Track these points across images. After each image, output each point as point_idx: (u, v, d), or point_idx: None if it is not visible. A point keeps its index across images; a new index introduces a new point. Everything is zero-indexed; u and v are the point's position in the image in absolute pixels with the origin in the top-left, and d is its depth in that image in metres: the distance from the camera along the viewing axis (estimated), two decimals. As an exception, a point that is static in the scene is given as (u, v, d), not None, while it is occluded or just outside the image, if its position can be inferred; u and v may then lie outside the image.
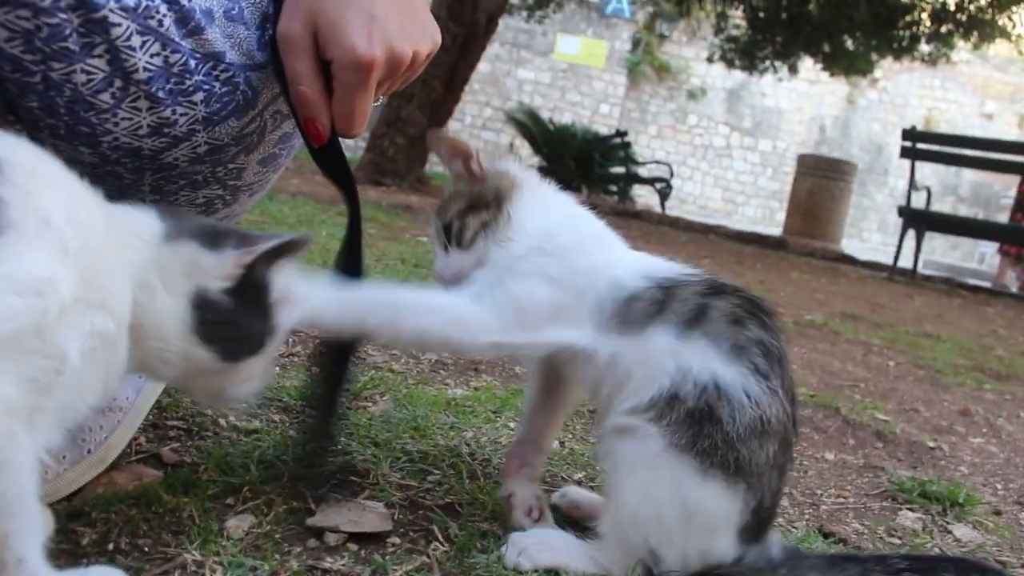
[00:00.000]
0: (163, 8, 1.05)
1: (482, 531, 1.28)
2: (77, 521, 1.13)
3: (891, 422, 2.54)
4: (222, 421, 1.57)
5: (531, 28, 18.03)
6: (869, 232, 20.49)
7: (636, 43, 19.56)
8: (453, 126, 13.37)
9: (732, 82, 19.64)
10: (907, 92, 20.43)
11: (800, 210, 11.50)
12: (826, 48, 12.33)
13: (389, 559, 1.15)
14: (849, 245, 12.05)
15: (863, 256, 10.70)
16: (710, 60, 14.51)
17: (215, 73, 1.12)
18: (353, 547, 1.18)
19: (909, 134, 8.64)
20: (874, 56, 12.60)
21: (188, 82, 1.10)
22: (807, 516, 1.70)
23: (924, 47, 12.15)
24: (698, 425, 1.12)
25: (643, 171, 14.93)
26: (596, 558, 1.20)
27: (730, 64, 14.01)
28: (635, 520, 1.16)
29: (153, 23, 1.04)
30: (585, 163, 14.10)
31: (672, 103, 20.35)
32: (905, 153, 8.67)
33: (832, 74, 13.61)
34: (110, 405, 1.26)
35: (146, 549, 1.10)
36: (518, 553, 1.18)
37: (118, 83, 1.06)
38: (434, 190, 9.15)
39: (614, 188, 14.53)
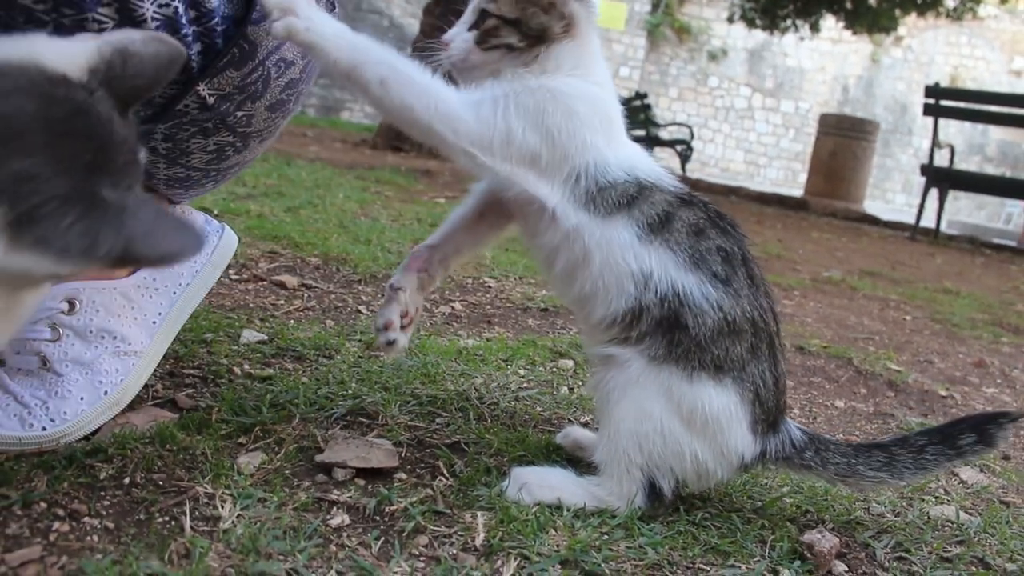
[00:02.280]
0: None
1: (487, 467, 1.32)
2: (94, 457, 1.17)
3: (904, 372, 2.55)
4: (237, 369, 1.61)
5: (550, -9, 17.92)
6: (893, 193, 20.29)
7: (656, 5, 19.38)
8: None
9: (753, 42, 19.43)
10: (932, 50, 20.11)
11: (822, 170, 11.38)
12: (848, 5, 12.15)
13: (394, 492, 1.19)
14: (872, 206, 11.93)
15: (886, 216, 10.61)
16: (730, 20, 14.34)
17: (213, 26, 1.15)
18: (360, 482, 1.22)
19: (932, 91, 8.53)
20: (898, 13, 12.38)
21: (184, 31, 1.13)
22: (814, 460, 1.72)
23: (949, 2, 11.96)
24: (669, 333, 1.19)
25: (664, 133, 14.84)
26: (595, 492, 1.24)
27: (751, 24, 13.84)
28: (634, 441, 1.21)
29: None
30: (605, 126, 14.01)
31: (693, 65, 20.16)
32: (928, 111, 8.57)
33: (855, 32, 13.41)
34: (125, 349, 1.30)
35: (160, 483, 1.14)
36: (519, 487, 1.22)
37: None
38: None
39: (635, 151, 14.46)
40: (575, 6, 1.27)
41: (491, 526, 1.13)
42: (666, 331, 1.20)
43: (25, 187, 0.76)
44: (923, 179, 8.66)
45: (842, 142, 11.20)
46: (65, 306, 1.26)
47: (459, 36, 1.27)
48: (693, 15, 20.07)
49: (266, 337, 1.82)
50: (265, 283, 2.33)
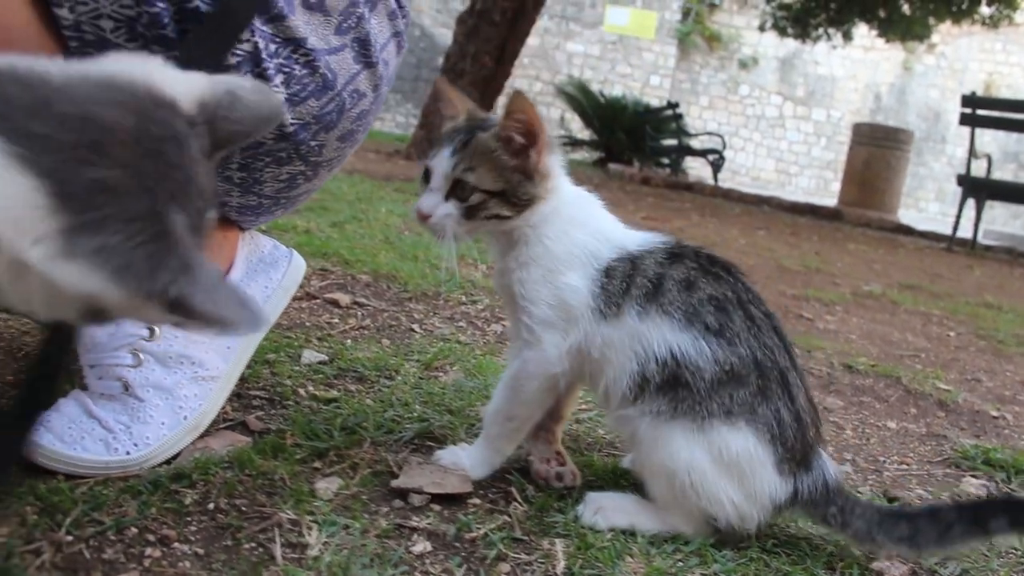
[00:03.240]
0: None
1: (559, 493, 1.33)
2: (179, 483, 1.20)
3: (953, 391, 2.53)
4: (301, 391, 1.63)
5: (580, 0, 17.94)
6: (926, 202, 20.12)
7: (686, 13, 19.35)
8: (503, 101, 13.39)
9: (784, 51, 19.36)
10: (966, 56, 19.95)
11: (856, 180, 11.33)
12: (881, 13, 12.10)
13: (472, 518, 1.21)
14: (906, 215, 11.85)
15: (920, 226, 10.54)
16: (762, 29, 14.34)
17: (296, 57, 1.18)
18: (436, 507, 1.24)
19: (969, 100, 8.48)
20: (932, 20, 12.33)
21: (266, 64, 1.16)
22: (871, 482, 1.72)
23: (985, 9, 11.87)
24: (672, 391, 1.22)
25: (695, 143, 14.82)
26: (667, 519, 1.25)
27: (782, 32, 13.82)
28: (673, 494, 1.23)
29: None
30: (636, 136, 14.03)
31: (723, 73, 20.12)
32: (965, 120, 8.51)
33: (888, 40, 13.36)
34: (203, 374, 1.33)
35: (243, 509, 1.16)
36: (594, 512, 1.24)
37: (209, 68, 1.11)
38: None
39: (666, 160, 14.44)
40: (550, 160, 1.30)
41: (570, 553, 1.15)
42: (668, 390, 1.23)
43: (99, 197, 0.75)
44: (958, 188, 8.60)
45: (876, 152, 11.14)
46: (146, 332, 1.29)
47: (439, 208, 1.27)
48: (723, 23, 20.02)
49: (326, 357, 1.85)
50: (318, 301, 2.36)
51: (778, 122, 20.31)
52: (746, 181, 18.88)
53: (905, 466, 1.87)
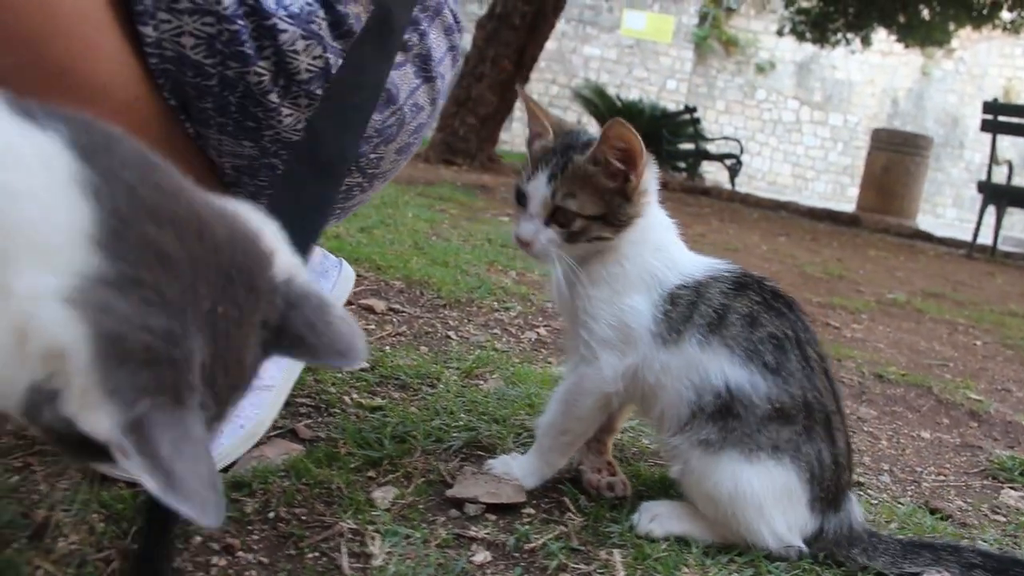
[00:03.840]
0: (321, 13, 1.12)
1: (610, 503, 1.34)
2: (239, 492, 1.21)
3: (984, 402, 2.53)
4: (347, 398, 1.64)
5: (597, 4, 17.96)
6: (944, 207, 20.04)
7: (703, 17, 19.35)
8: (521, 106, 13.43)
9: (802, 55, 19.32)
10: (985, 62, 19.86)
11: (874, 185, 11.31)
12: (901, 19, 12.06)
13: (529, 528, 1.22)
14: (923, 221, 11.81)
15: (938, 232, 10.51)
16: (780, 33, 14.31)
17: None
18: (492, 517, 1.25)
19: (991, 107, 8.46)
20: (952, 26, 12.28)
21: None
22: (910, 493, 1.73)
23: (1006, 14, 11.82)
24: (722, 420, 1.23)
25: (712, 147, 14.81)
26: (719, 530, 1.27)
27: (801, 37, 13.78)
28: (718, 516, 1.25)
29: (314, 27, 1.12)
30: (653, 140, 14.03)
31: (740, 77, 20.09)
32: (986, 126, 8.48)
33: (907, 46, 13.33)
34: (259, 384, 1.34)
35: (303, 518, 1.17)
36: (650, 519, 1.26)
37: (282, 82, 1.13)
38: (505, 169, 9.19)
39: (683, 165, 14.44)
40: (647, 176, 1.29)
41: (628, 563, 1.16)
42: (718, 419, 1.24)
43: (147, 259, 0.70)
44: (976, 194, 8.57)
45: (895, 157, 11.12)
46: (205, 341, 1.30)
47: (540, 235, 1.27)
48: (741, 28, 20.01)
49: (368, 365, 1.86)
50: (354, 307, 2.38)
51: (795, 127, 20.27)
52: (762, 186, 18.85)
53: (942, 477, 1.87)
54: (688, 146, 14.18)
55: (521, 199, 1.28)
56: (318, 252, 1.55)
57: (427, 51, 1.32)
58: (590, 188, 1.25)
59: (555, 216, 1.25)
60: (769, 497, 1.22)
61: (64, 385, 0.67)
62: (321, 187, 1.04)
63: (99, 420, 0.66)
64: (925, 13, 11.89)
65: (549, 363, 2.16)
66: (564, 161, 1.25)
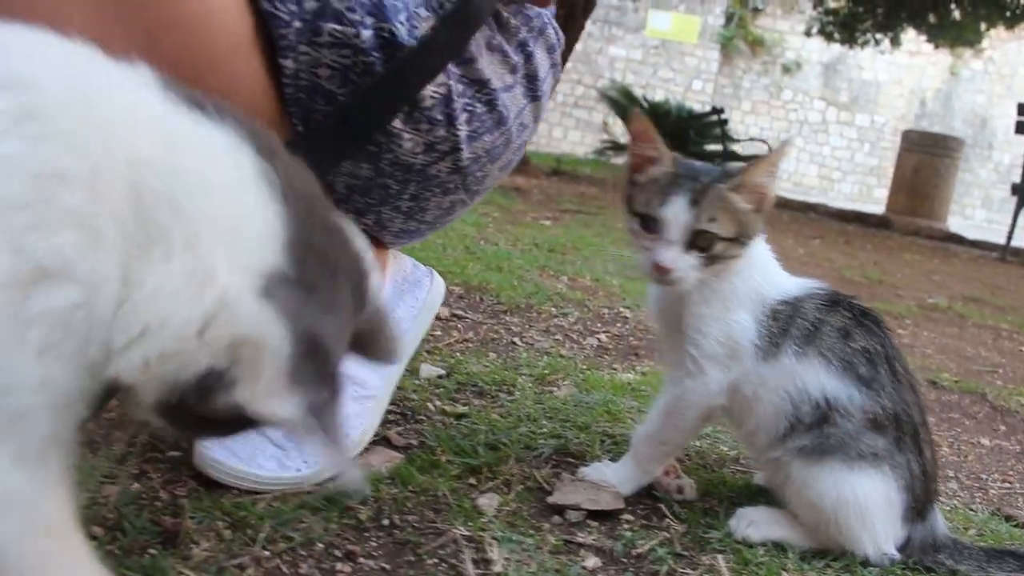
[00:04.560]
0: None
1: (703, 508, 1.38)
2: (353, 499, 1.25)
3: (1039, 408, 2.55)
4: (430, 405, 1.68)
5: (622, 4, 17.93)
6: (972, 208, 19.86)
7: (729, 17, 19.29)
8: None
9: (829, 55, 19.22)
10: (1015, 61, 19.66)
11: (904, 187, 11.25)
12: (931, 18, 11.98)
13: (633, 534, 1.25)
14: (952, 222, 11.74)
15: (968, 234, 10.47)
16: (808, 34, 14.24)
17: (479, 96, 1.24)
18: (593, 523, 1.29)
19: (1025, 109, 8.42)
20: (983, 25, 12.19)
21: (455, 104, 1.22)
22: (979, 500, 1.75)
23: (1038, 14, 11.73)
24: (818, 429, 1.28)
25: (740, 148, 14.75)
26: (815, 535, 1.31)
27: (829, 38, 13.72)
28: (818, 527, 1.29)
29: None
30: (680, 140, 14.00)
31: (766, 78, 20.01)
32: (1020, 129, 8.44)
33: (937, 46, 13.24)
34: (363, 394, 1.38)
35: (416, 525, 1.22)
36: (747, 525, 1.30)
37: (406, 109, 1.17)
38: (534, 170, 9.23)
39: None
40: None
41: (733, 568, 1.20)
42: (815, 427, 1.28)
43: (320, 267, 0.78)
44: (1008, 196, 8.53)
45: (925, 159, 11.06)
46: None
47: (680, 260, 1.27)
48: (767, 28, 19.94)
49: (444, 371, 1.90)
50: (418, 313, 2.42)
51: (821, 127, 20.16)
52: (788, 187, 18.76)
53: (1008, 484, 1.89)
54: (715, 147, 14.14)
55: (651, 225, 1.28)
56: (409, 262, 1.59)
57: (534, 71, 1.36)
58: (728, 211, 1.26)
59: (695, 240, 1.26)
60: (870, 505, 1.25)
61: (246, 374, 0.73)
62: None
63: (282, 406, 0.74)
64: (956, 13, 11.80)
65: (615, 369, 2.20)
66: (703, 186, 1.25)
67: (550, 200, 6.31)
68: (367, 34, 1.12)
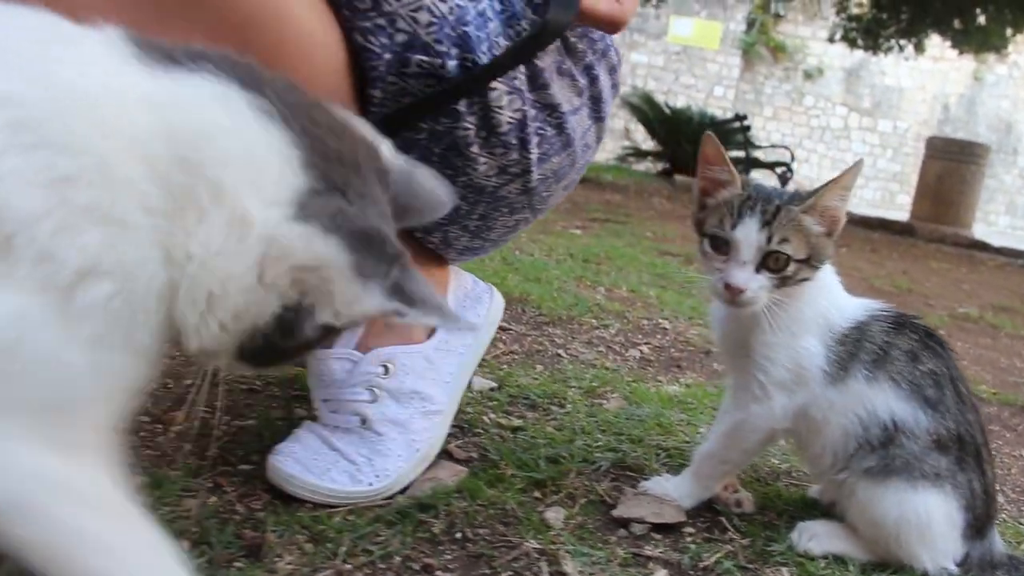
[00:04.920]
0: (522, 67, 1.20)
1: (762, 522, 1.41)
2: (426, 513, 1.29)
3: (1080, 420, 2.56)
4: (485, 418, 1.72)
5: (644, 11, 17.93)
6: (996, 215, 19.75)
7: (751, 23, 19.27)
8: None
9: (851, 61, 19.16)
10: (1040, 66, 19.59)
11: (929, 194, 11.21)
12: (956, 24, 11.93)
13: (699, 547, 1.29)
14: (976, 229, 11.69)
15: (993, 241, 10.42)
16: (831, 40, 14.21)
17: (550, 120, 1.28)
18: (657, 536, 1.32)
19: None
20: (1009, 31, 12.13)
21: (528, 129, 1.25)
22: (1026, 513, 1.77)
23: (1066, 17, 11.66)
24: (883, 449, 1.31)
25: (762, 155, 14.73)
26: (874, 549, 1.34)
27: (852, 44, 13.68)
28: (879, 538, 1.32)
29: (517, 82, 1.21)
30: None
31: (788, 84, 19.99)
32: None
33: (961, 52, 13.18)
34: (431, 408, 1.42)
35: (488, 538, 1.25)
36: (808, 538, 1.34)
37: (484, 134, 1.22)
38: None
39: (731, 172, 14.37)
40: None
41: (797, 581, 1.23)
42: (881, 448, 1.31)
43: (339, 167, 0.81)
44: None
45: (950, 166, 11.02)
46: (381, 370, 1.38)
47: (753, 281, 1.28)
48: (789, 34, 19.90)
49: (495, 384, 1.94)
50: (463, 325, 2.45)
51: (843, 133, 20.11)
52: (809, 192, 18.66)
53: (1054, 498, 1.91)
54: (737, 154, 14.12)
55: (721, 247, 1.30)
56: (470, 278, 1.62)
57: (598, 93, 1.40)
58: (801, 233, 1.28)
59: (766, 261, 1.28)
60: (932, 523, 1.28)
61: (320, 297, 0.78)
62: None
63: (367, 303, 0.78)
64: (982, 18, 11.74)
65: (659, 382, 2.23)
66: (775, 208, 1.28)
67: (578, 208, 6.33)
68: (452, 64, 1.16)
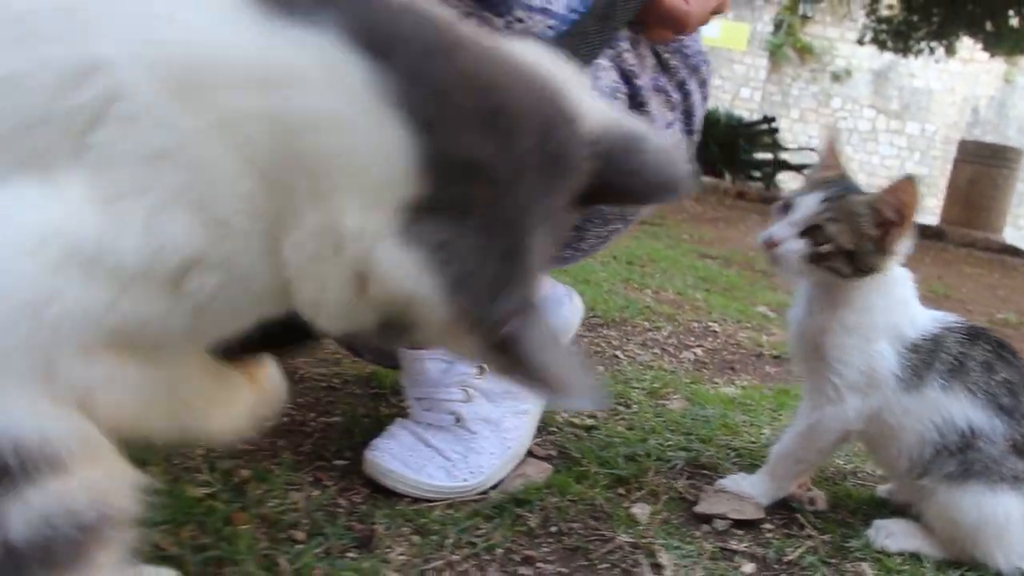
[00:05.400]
0: (624, 88, 1.28)
1: (835, 519, 1.47)
2: (523, 508, 1.36)
3: None
4: (557, 417, 1.78)
5: (671, 13, 17.94)
6: (1025, 218, 19.69)
7: (778, 25, 19.24)
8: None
9: (879, 63, 19.06)
10: (1070, 70, 19.46)
11: (959, 198, 11.19)
12: (988, 26, 11.87)
13: (783, 542, 1.35)
14: (1006, 233, 11.64)
15: (1023, 245, 10.39)
16: (860, 43, 14.16)
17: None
18: (738, 532, 1.39)
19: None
20: (1042, 34, 12.05)
21: None
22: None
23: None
24: (962, 454, 1.36)
25: (790, 157, 14.71)
26: (950, 548, 1.39)
27: (882, 46, 13.62)
28: (956, 538, 1.38)
29: (618, 101, 1.27)
30: (729, 149, 14.00)
31: (815, 86, 19.92)
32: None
33: (993, 55, 13.10)
34: (521, 408, 1.49)
35: (581, 532, 1.32)
36: (885, 536, 1.40)
37: None
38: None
39: (758, 174, 14.39)
40: (903, 244, 1.38)
41: (877, 575, 1.29)
42: (959, 453, 1.36)
43: (469, 180, 0.65)
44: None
45: (981, 170, 10.99)
46: (475, 370, 1.45)
47: (790, 241, 1.37)
48: (816, 35, 19.84)
49: (562, 385, 1.99)
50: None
51: (870, 136, 20.02)
52: (836, 194, 18.61)
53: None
54: (766, 155, 14.11)
55: (785, 208, 1.40)
56: (549, 281, 1.69)
57: (691, 108, 1.46)
58: (853, 224, 1.35)
59: (811, 232, 1.36)
60: (1009, 524, 1.33)
61: (418, 321, 0.67)
62: None
63: (465, 350, 0.69)
64: (1014, 20, 11.67)
65: (716, 383, 2.29)
66: (842, 192, 1.37)
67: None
68: None
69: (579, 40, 1.16)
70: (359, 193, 0.63)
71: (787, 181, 15.49)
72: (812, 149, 14.48)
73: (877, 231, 1.35)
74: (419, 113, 0.63)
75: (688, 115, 1.47)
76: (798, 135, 19.24)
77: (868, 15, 13.61)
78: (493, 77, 0.69)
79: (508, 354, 0.66)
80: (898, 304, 1.43)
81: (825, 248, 1.36)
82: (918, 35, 12.95)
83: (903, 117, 19.91)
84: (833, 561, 1.32)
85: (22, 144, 0.62)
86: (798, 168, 13.45)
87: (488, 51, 0.71)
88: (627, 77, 1.31)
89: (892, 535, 1.39)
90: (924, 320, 1.44)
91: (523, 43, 0.78)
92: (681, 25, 1.28)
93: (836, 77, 19.82)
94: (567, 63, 0.79)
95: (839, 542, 1.39)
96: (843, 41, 18.67)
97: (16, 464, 0.60)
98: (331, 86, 0.62)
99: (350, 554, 1.18)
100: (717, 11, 1.33)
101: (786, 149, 14.30)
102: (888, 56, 16.30)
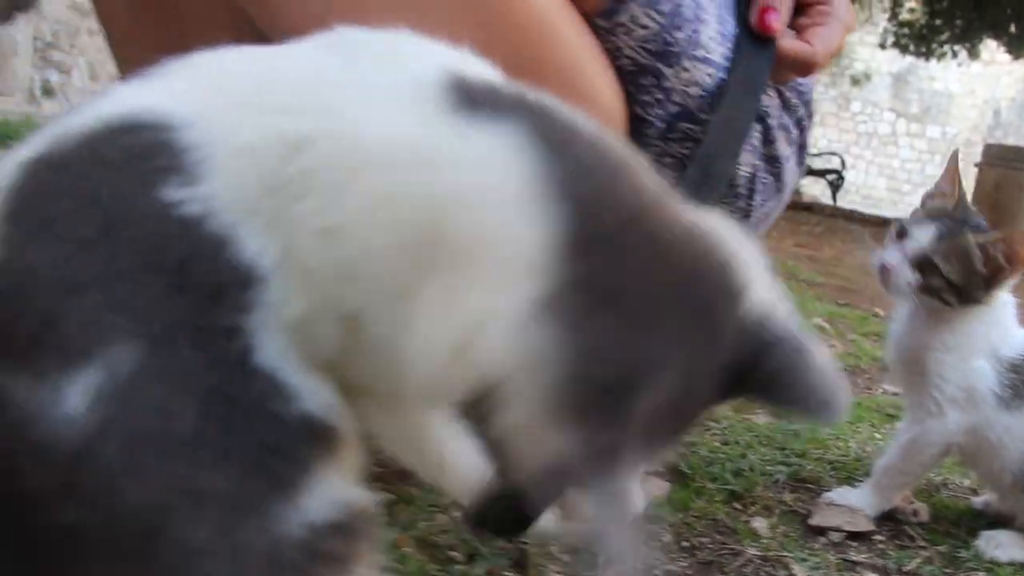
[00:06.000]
0: (758, 127, 1.35)
1: (941, 531, 1.56)
2: (654, 524, 1.43)
3: None
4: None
5: (690, 19, 17.98)
6: (1049, 220, 19.58)
7: (797, 30, 19.22)
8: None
9: (899, 66, 19.07)
10: (1092, 71, 19.42)
11: (986, 202, 11.11)
12: (1012, 29, 11.86)
13: (899, 554, 1.44)
14: None
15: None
16: (882, 47, 14.18)
17: (771, 170, 1.43)
18: (853, 544, 1.47)
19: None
20: (1068, 36, 12.05)
21: (756, 181, 1.40)
22: None
23: None
24: None
25: (813, 162, 14.71)
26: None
27: (904, 50, 13.63)
28: None
29: (754, 140, 1.35)
30: (752, 155, 13.99)
31: (835, 89, 19.93)
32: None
33: (1017, 57, 13.09)
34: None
35: (711, 547, 1.40)
36: (995, 547, 1.48)
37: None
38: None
39: (781, 179, 14.38)
40: (1010, 282, 1.48)
41: (996, 586, 1.38)
42: None
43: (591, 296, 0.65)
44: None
45: (1008, 174, 10.95)
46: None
47: (903, 270, 1.49)
48: (835, 40, 19.82)
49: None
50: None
51: (891, 139, 20.03)
52: (857, 199, 18.65)
53: None
54: (789, 161, 14.10)
55: (901, 233, 1.50)
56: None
57: (804, 141, 1.54)
58: (964, 262, 1.45)
59: (921, 264, 1.46)
60: None
61: (509, 404, 0.66)
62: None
63: (546, 445, 0.66)
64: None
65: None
66: (958, 228, 1.46)
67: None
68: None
69: (732, 110, 1.26)
70: (488, 272, 0.64)
71: (804, 184, 15.51)
72: (835, 153, 14.53)
73: (986, 271, 1.44)
74: (567, 219, 0.64)
75: (801, 148, 1.54)
76: (819, 140, 19.22)
77: (889, 19, 13.61)
78: (653, 212, 0.69)
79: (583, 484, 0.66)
80: (997, 326, 1.52)
81: (934, 283, 1.45)
82: (941, 38, 12.95)
83: (923, 120, 19.90)
84: (949, 571, 1.41)
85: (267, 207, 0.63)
86: (821, 173, 13.47)
87: (663, 197, 0.72)
88: (761, 117, 1.39)
89: (1001, 545, 1.47)
90: (1021, 340, 1.52)
91: (708, 213, 0.77)
92: (809, 68, 1.36)
93: (856, 81, 19.81)
94: (750, 245, 0.77)
95: (951, 553, 1.47)
96: (862, 44, 18.66)
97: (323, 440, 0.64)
98: (493, 170, 0.64)
99: (507, 574, 1.26)
100: (838, 50, 1.41)
101: (808, 154, 14.26)
102: (908, 59, 16.30)
